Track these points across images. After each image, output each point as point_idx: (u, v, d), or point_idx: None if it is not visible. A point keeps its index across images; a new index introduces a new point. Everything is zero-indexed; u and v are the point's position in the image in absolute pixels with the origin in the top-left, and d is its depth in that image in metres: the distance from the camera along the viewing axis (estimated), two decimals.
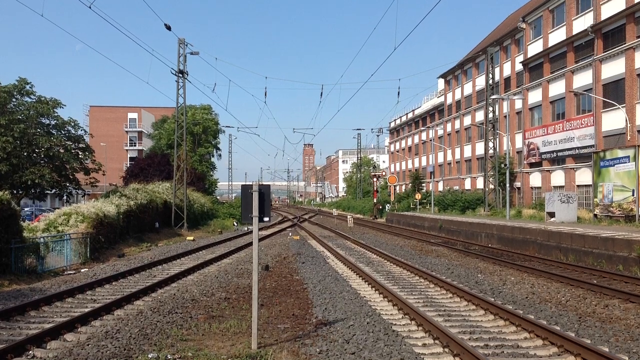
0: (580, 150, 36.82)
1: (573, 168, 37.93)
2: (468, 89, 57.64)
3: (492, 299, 11.75)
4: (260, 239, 18.37)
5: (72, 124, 32.92)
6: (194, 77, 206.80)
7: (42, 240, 18.23)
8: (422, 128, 72.59)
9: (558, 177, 39.86)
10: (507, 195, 35.23)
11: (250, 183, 8.94)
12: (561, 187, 38.91)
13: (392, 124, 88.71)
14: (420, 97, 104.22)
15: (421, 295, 12.79)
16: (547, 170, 41.29)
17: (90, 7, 17.57)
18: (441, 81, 67.38)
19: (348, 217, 50.58)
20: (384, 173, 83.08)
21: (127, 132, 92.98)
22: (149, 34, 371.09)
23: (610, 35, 34.40)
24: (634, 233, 19.30)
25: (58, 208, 29.83)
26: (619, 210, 26.13)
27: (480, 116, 51.68)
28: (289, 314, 10.78)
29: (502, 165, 40.30)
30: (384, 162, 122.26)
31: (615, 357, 7.30)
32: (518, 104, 45.44)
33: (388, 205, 60.28)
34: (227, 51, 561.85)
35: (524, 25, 45.21)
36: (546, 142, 40.87)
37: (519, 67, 46.03)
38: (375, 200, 61.47)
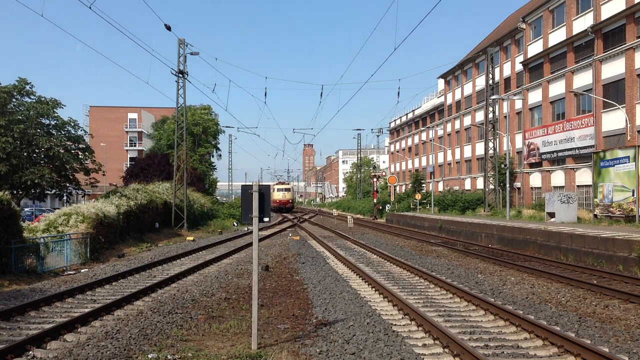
0: (580, 150, 36.82)
1: (573, 168, 37.94)
2: (468, 89, 57.65)
3: (492, 299, 11.75)
4: (260, 239, 18.38)
5: (72, 124, 32.91)
6: (194, 78, 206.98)
7: (42, 240, 18.22)
8: (422, 128, 72.61)
9: (558, 178, 39.86)
10: (507, 196, 35.23)
11: (250, 183, 8.94)
12: (561, 187, 38.92)
13: (392, 124, 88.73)
14: (420, 97, 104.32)
15: (421, 296, 12.79)
16: (547, 171, 41.29)
17: (90, 7, 17.58)
18: (441, 81, 67.39)
19: (348, 217, 50.57)
20: (384, 173, 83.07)
21: (127, 132, 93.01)
22: (149, 34, 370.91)
23: (610, 35, 34.40)
24: (634, 233, 19.30)
25: (58, 208, 29.81)
26: (619, 211, 26.13)
27: (480, 116, 51.69)
28: (289, 314, 10.78)
29: (502, 166, 40.30)
30: (384, 162, 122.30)
31: (615, 358, 7.30)
32: (518, 104, 45.44)
33: (388, 205, 60.27)
34: (227, 51, 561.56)
35: (524, 26, 45.21)
36: (546, 143, 40.87)
37: (519, 67, 46.03)
38: (375, 201, 61.45)
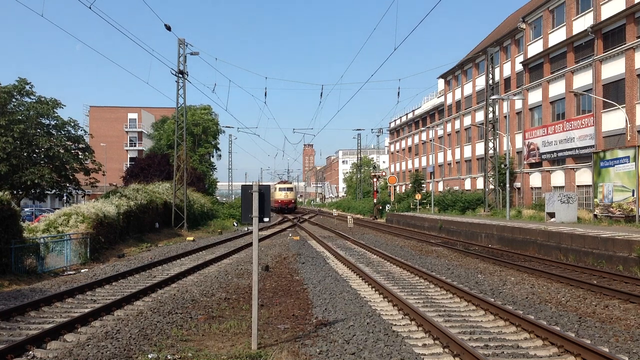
0: (580, 150, 36.82)
1: (573, 168, 37.93)
2: (468, 89, 57.65)
3: (492, 300, 11.75)
4: (260, 240, 18.38)
5: (72, 124, 32.95)
6: (194, 78, 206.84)
7: (42, 240, 18.22)
8: (422, 128, 72.60)
9: (558, 178, 39.86)
10: (507, 196, 35.22)
11: (250, 183, 8.94)
12: (561, 187, 38.91)
13: (392, 124, 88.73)
14: (420, 97, 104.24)
15: (421, 296, 12.79)
16: (547, 171, 41.29)
17: (90, 8, 17.58)
18: (441, 81, 67.38)
19: (348, 217, 50.57)
20: (384, 173, 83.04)
21: (127, 132, 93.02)
22: (149, 34, 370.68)
23: (610, 35, 34.40)
24: (634, 233, 19.30)
25: (58, 208, 29.78)
26: (619, 211, 26.13)
27: (480, 116, 51.69)
28: (289, 315, 10.78)
29: (502, 166, 40.30)
30: (384, 162, 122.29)
31: (615, 358, 7.30)
32: (518, 104, 45.44)
33: (388, 205, 60.26)
34: (227, 51, 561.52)
35: (524, 26, 45.21)
36: (546, 143, 40.87)
37: (519, 67, 46.03)
38: (375, 201, 61.46)
